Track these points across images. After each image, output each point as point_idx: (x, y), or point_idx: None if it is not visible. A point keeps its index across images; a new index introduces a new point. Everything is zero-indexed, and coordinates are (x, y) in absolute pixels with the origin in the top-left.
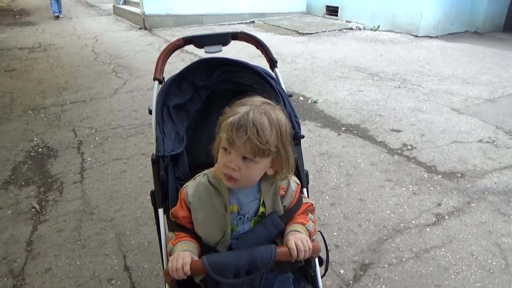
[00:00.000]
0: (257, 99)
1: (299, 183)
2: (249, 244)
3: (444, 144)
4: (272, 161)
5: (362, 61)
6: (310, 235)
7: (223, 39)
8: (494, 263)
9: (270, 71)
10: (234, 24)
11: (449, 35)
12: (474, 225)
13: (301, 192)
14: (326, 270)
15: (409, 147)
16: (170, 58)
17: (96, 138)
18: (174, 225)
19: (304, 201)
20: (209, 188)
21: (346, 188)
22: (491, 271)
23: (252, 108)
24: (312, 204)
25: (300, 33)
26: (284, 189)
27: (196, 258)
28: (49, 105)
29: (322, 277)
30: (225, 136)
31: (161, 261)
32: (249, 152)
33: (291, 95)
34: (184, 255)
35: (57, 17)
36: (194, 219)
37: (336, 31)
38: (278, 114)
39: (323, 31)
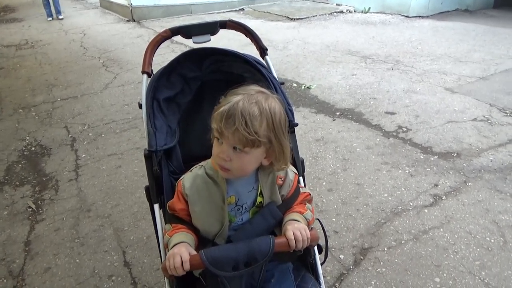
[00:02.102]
0: (252, 88)
1: (297, 172)
2: (247, 235)
3: (439, 124)
4: (266, 151)
5: (354, 44)
6: (308, 224)
7: (211, 28)
8: (492, 240)
9: (260, 59)
10: (224, 12)
11: (440, 14)
12: (471, 204)
13: (298, 182)
14: (325, 257)
15: (404, 129)
16: (160, 49)
17: (89, 134)
18: (171, 218)
19: (301, 191)
20: (207, 179)
21: (343, 173)
22: (489, 248)
23: (244, 97)
24: (309, 194)
25: (291, 19)
26: (282, 179)
27: (193, 251)
28: (39, 102)
29: (322, 264)
30: (215, 127)
31: (160, 257)
32: (238, 142)
33: (283, 83)
34: (181, 252)
35: (51, 19)
36: (191, 211)
37: (327, 15)
38: (272, 103)
39: (313, 16)
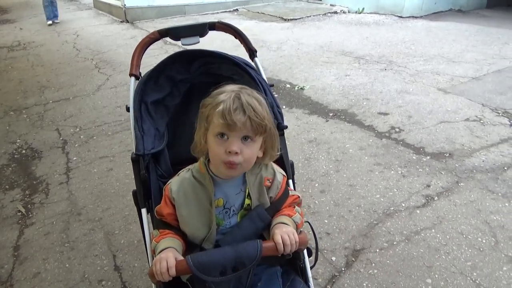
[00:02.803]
0: (235, 86)
1: (285, 174)
2: (236, 239)
3: (431, 124)
4: (263, 140)
5: (348, 45)
6: (297, 227)
7: (200, 30)
8: (484, 241)
9: (250, 61)
10: (218, 12)
11: (433, 14)
12: (463, 204)
13: (287, 184)
14: (315, 260)
15: (397, 129)
16: (153, 50)
17: (81, 136)
18: (159, 223)
19: (290, 193)
20: (194, 183)
21: (336, 174)
22: (481, 249)
23: (236, 91)
24: (298, 197)
25: (285, 19)
26: (270, 180)
27: (180, 257)
28: (31, 105)
29: (312, 267)
30: (221, 122)
31: (148, 262)
32: (250, 131)
33: (272, 85)
34: (168, 257)
35: (51, 23)
36: (178, 215)
37: (321, 15)
38: (258, 94)
39: (307, 16)
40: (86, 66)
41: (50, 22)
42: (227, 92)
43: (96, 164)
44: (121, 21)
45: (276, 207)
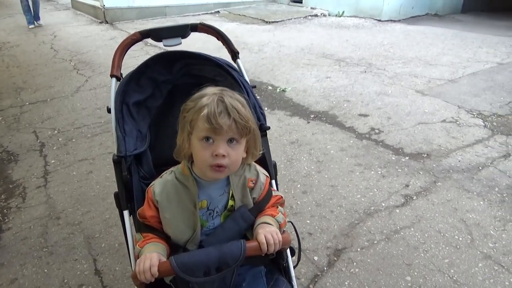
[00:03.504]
0: (214, 88)
1: (268, 175)
2: (219, 239)
3: (410, 126)
4: (246, 141)
5: (329, 47)
6: (280, 227)
7: (182, 31)
8: (460, 239)
9: (232, 62)
10: (199, 14)
11: (411, 18)
12: (440, 203)
13: (270, 185)
14: (298, 260)
15: (377, 130)
16: (134, 52)
17: (59, 139)
18: (142, 226)
19: (273, 194)
20: (177, 185)
21: (317, 175)
22: (458, 247)
23: (219, 94)
24: (281, 197)
25: (266, 22)
26: (253, 181)
27: (164, 259)
28: (6, 106)
29: (294, 267)
30: (207, 126)
31: (130, 265)
32: (236, 133)
33: (254, 86)
34: (151, 257)
35: (33, 26)
36: (162, 218)
37: (302, 18)
38: (240, 96)
39: (288, 19)
40: (64, 67)
41: (32, 26)
42: (209, 95)
43: (76, 167)
44: (100, 22)
45: (259, 207)
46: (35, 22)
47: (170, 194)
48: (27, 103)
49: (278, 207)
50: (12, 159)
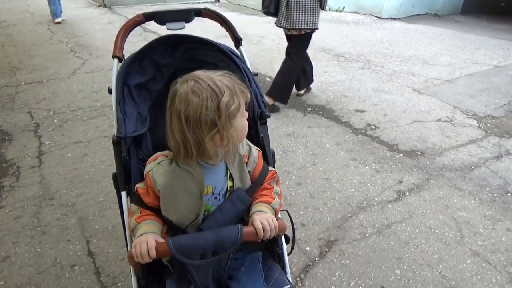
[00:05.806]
0: (200, 72)
1: (260, 150)
2: (217, 222)
3: (405, 123)
4: None
5: (328, 42)
6: (276, 213)
7: (186, 15)
8: (450, 235)
9: (235, 49)
10: (199, 3)
11: (410, 17)
12: (432, 200)
13: (264, 159)
14: (292, 248)
15: (373, 126)
16: (132, 37)
17: (55, 120)
18: (139, 200)
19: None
20: (181, 174)
21: (312, 167)
22: (447, 243)
23: (216, 77)
24: (276, 172)
25: None
26: (247, 156)
27: (160, 239)
28: (1, 86)
29: (288, 255)
30: (235, 106)
31: (126, 245)
32: (247, 107)
33: (256, 74)
34: (148, 239)
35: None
36: (163, 205)
37: None
38: (239, 81)
39: None
40: (61, 49)
41: (58, 19)
42: (199, 90)
43: (70, 149)
44: (99, 5)
45: (258, 182)
46: (54, 19)
47: (174, 185)
48: (23, 83)
49: (274, 187)
50: (6, 138)
